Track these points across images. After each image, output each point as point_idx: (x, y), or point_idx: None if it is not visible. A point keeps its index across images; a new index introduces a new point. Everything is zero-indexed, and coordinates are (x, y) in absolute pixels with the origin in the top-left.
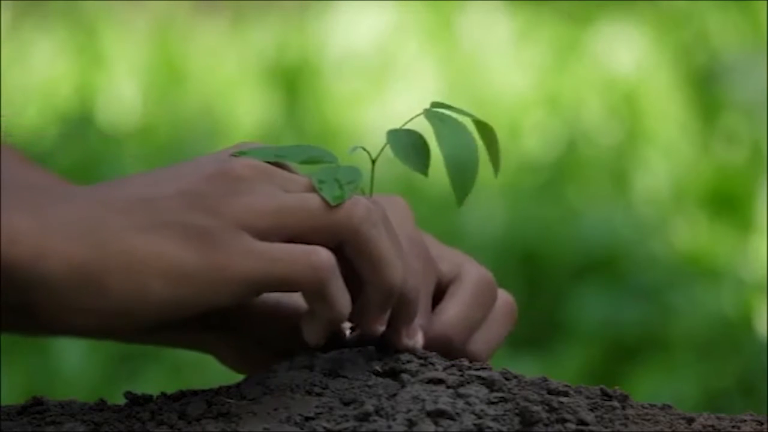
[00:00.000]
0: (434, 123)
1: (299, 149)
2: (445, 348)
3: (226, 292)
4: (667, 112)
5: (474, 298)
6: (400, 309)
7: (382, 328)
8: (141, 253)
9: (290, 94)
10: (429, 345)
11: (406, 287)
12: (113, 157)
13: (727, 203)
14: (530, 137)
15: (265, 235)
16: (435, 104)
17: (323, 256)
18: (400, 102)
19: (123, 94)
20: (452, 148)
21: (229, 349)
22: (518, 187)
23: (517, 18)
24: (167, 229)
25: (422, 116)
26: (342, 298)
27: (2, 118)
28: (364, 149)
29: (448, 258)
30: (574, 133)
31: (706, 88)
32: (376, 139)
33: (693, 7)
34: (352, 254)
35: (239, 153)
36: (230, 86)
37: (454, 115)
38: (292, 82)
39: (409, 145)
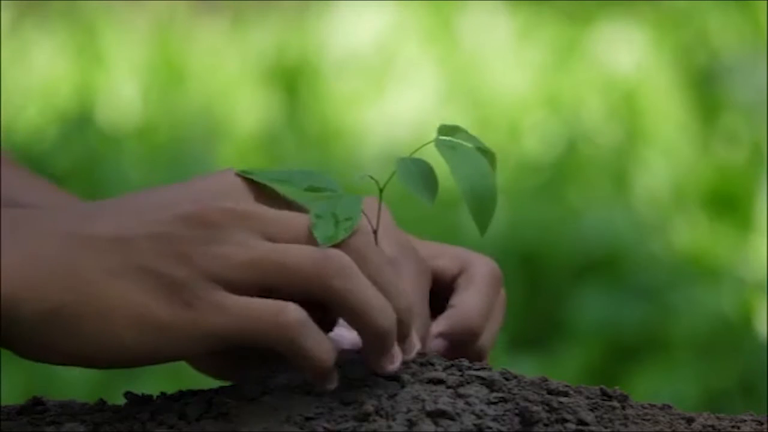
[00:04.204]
0: (446, 153)
1: (303, 175)
2: (470, 341)
3: (194, 346)
4: (667, 112)
5: (488, 288)
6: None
7: (392, 366)
8: (114, 301)
9: (290, 94)
10: (453, 340)
11: (398, 309)
12: (113, 157)
13: (727, 203)
14: (530, 137)
15: (237, 287)
16: (443, 129)
17: (291, 315)
18: (400, 102)
19: (123, 94)
20: (468, 179)
21: (214, 362)
22: (518, 187)
23: (517, 18)
24: (139, 276)
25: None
26: (318, 350)
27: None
28: (372, 177)
29: (448, 253)
30: (574, 133)
31: (706, 88)
32: (376, 140)
33: (693, 7)
34: (332, 308)
35: (246, 172)
36: (230, 86)
37: (462, 141)
38: (292, 82)
39: (417, 174)
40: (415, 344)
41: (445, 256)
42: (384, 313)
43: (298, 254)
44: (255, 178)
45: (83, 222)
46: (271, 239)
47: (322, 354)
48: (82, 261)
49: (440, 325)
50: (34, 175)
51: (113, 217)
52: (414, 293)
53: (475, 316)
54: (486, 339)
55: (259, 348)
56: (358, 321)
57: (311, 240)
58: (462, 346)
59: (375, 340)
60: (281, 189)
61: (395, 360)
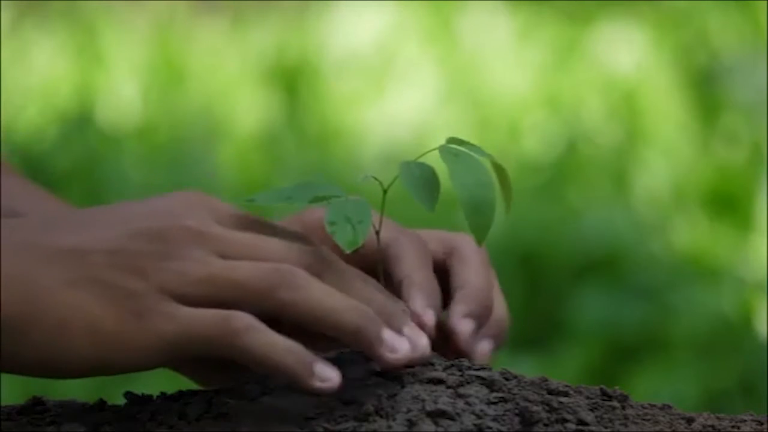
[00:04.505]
0: (449, 160)
1: (305, 188)
2: (487, 316)
3: (147, 356)
4: (667, 112)
5: (483, 264)
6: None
7: (394, 355)
8: (68, 311)
9: (290, 94)
10: (477, 318)
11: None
12: (113, 157)
13: (727, 203)
14: (530, 137)
15: (192, 303)
16: (451, 140)
17: (239, 321)
18: (400, 102)
19: (123, 94)
20: (468, 188)
21: (199, 368)
22: (518, 188)
23: (517, 18)
24: (93, 287)
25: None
26: (272, 352)
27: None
28: (375, 178)
29: (433, 237)
30: (574, 133)
31: (706, 88)
32: (376, 140)
33: (693, 7)
34: (289, 321)
35: (250, 200)
36: (230, 86)
37: (468, 151)
38: (292, 82)
39: (420, 179)
40: (418, 342)
41: (431, 241)
42: (348, 311)
43: (248, 269)
44: (258, 202)
45: (43, 233)
46: (228, 258)
47: (277, 356)
48: (38, 271)
49: (460, 307)
50: (32, 183)
51: (73, 229)
52: (421, 268)
53: (485, 291)
54: (502, 312)
55: (216, 357)
56: (322, 327)
57: (267, 258)
58: (483, 324)
59: (352, 339)
60: (286, 206)
61: (396, 349)
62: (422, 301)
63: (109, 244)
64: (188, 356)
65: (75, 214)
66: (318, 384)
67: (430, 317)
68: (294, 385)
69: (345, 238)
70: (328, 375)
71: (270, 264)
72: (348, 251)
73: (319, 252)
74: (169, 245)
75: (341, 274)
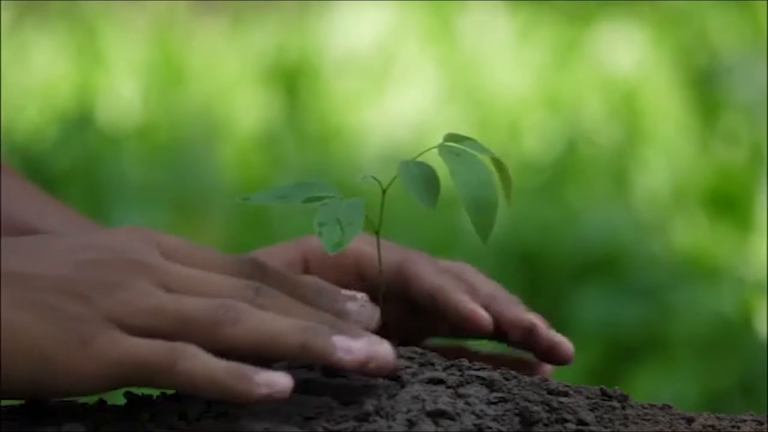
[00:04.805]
0: (449, 159)
1: (300, 188)
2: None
3: (87, 381)
4: (667, 112)
5: (490, 279)
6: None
7: (351, 356)
8: (7, 331)
9: (290, 94)
10: (515, 334)
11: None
12: (113, 157)
13: (727, 203)
14: (530, 137)
15: (134, 332)
16: (449, 137)
17: (181, 351)
18: (400, 102)
19: (123, 94)
20: (470, 188)
21: None
22: (518, 188)
23: (517, 18)
24: (37, 309)
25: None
26: (217, 376)
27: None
28: (375, 178)
29: (446, 266)
30: (574, 133)
31: (706, 88)
32: (376, 140)
33: (693, 7)
34: (243, 353)
35: (245, 199)
36: (230, 86)
37: (467, 148)
38: (292, 82)
39: (419, 178)
40: (377, 348)
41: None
42: (291, 331)
43: (194, 305)
44: (253, 201)
45: None
46: (172, 291)
47: (218, 377)
48: None
49: (513, 308)
50: (32, 185)
51: (25, 254)
52: (443, 275)
53: (512, 298)
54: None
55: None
56: (270, 353)
57: (210, 292)
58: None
59: (303, 355)
60: (281, 205)
61: (351, 349)
62: (470, 299)
63: (56, 271)
64: (131, 384)
65: (28, 240)
66: (264, 390)
67: (483, 311)
68: (243, 404)
69: (331, 240)
70: (272, 380)
71: (212, 300)
72: (331, 253)
73: (264, 282)
74: (116, 276)
75: (287, 299)
